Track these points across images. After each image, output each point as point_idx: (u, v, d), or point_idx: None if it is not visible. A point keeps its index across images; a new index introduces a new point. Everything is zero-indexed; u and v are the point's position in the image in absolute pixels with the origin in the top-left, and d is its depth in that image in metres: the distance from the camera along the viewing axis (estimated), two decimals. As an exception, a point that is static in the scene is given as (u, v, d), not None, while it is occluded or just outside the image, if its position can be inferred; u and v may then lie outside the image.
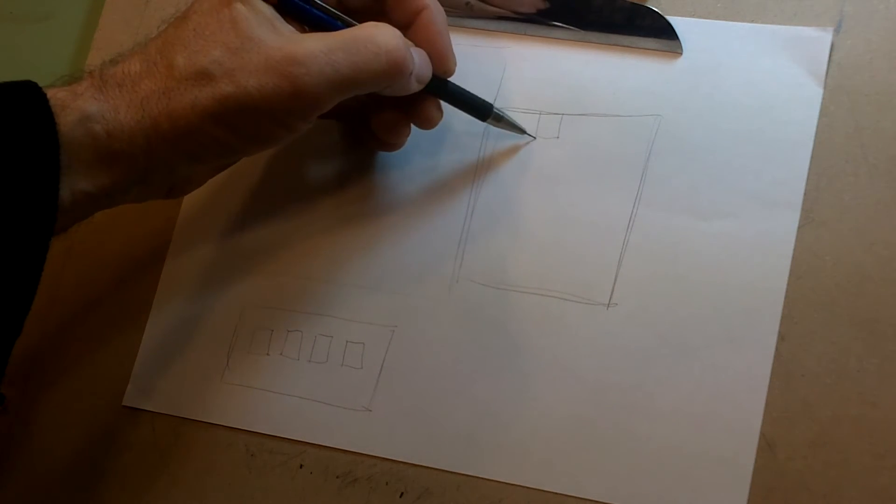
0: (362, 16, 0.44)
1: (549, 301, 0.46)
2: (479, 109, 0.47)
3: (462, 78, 0.46)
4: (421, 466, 0.46)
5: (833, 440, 0.41)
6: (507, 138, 0.48)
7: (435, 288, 0.48)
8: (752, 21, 0.47)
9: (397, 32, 0.42)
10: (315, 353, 0.48)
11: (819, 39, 0.46)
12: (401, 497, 0.46)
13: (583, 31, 0.49)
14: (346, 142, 0.51)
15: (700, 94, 0.47)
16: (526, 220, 0.47)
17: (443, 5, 0.46)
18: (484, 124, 0.48)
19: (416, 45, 0.44)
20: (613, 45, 0.49)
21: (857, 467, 0.41)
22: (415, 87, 0.44)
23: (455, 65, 0.46)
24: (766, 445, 0.42)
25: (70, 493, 0.50)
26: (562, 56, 0.49)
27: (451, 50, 0.46)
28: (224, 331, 0.50)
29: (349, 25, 0.43)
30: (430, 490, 0.45)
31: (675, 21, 0.48)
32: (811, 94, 0.46)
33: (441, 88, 0.46)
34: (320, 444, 0.47)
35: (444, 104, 0.47)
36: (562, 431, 0.44)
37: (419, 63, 0.44)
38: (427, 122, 0.47)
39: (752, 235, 0.45)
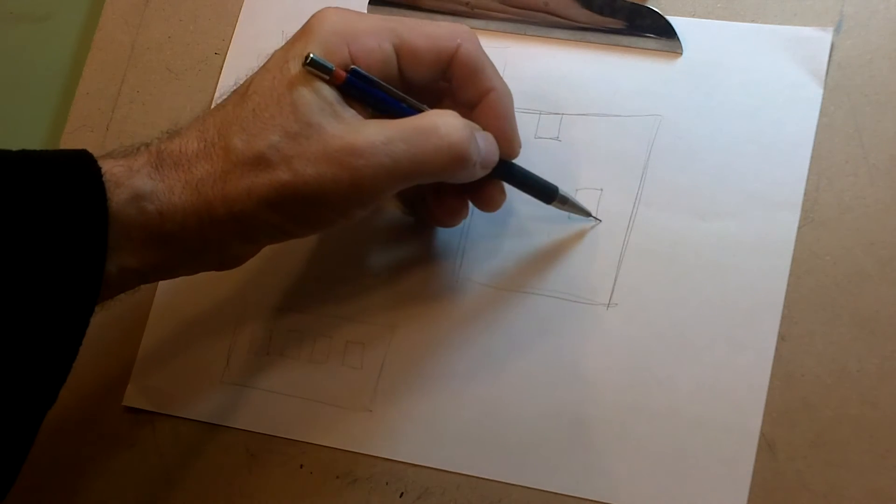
0: (429, 94, 0.43)
1: (549, 301, 0.46)
2: (544, 192, 0.45)
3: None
4: (421, 466, 0.46)
5: (833, 440, 0.42)
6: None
7: (435, 288, 0.48)
8: (752, 21, 0.47)
9: (462, 122, 0.40)
10: (315, 353, 0.48)
11: (819, 39, 0.46)
12: (401, 497, 0.46)
13: (583, 31, 0.49)
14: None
15: (700, 94, 0.47)
16: (526, 219, 0.47)
17: (443, 5, 0.45)
18: None
19: (482, 126, 0.43)
20: (613, 45, 0.49)
21: (857, 467, 0.41)
22: (479, 173, 0.42)
23: (520, 147, 0.44)
24: (766, 445, 0.42)
25: (70, 493, 0.50)
26: (562, 56, 0.49)
27: (517, 133, 0.44)
28: (224, 331, 0.50)
29: (414, 107, 0.41)
30: (430, 490, 0.45)
31: (675, 21, 0.48)
32: (811, 94, 0.46)
33: (506, 172, 0.44)
34: (320, 444, 0.47)
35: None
36: (562, 431, 0.44)
37: (485, 149, 0.42)
38: (490, 205, 0.45)
39: (752, 235, 0.45)
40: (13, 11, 0.62)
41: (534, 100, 0.49)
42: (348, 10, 0.41)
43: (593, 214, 0.47)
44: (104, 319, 0.51)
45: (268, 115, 0.39)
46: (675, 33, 0.48)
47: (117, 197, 0.38)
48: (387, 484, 0.46)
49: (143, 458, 0.49)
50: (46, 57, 0.60)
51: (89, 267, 0.37)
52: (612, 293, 0.45)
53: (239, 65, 0.53)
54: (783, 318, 0.43)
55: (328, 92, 0.39)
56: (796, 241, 0.44)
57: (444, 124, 0.40)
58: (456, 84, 0.43)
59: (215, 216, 0.39)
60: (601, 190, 0.47)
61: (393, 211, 0.49)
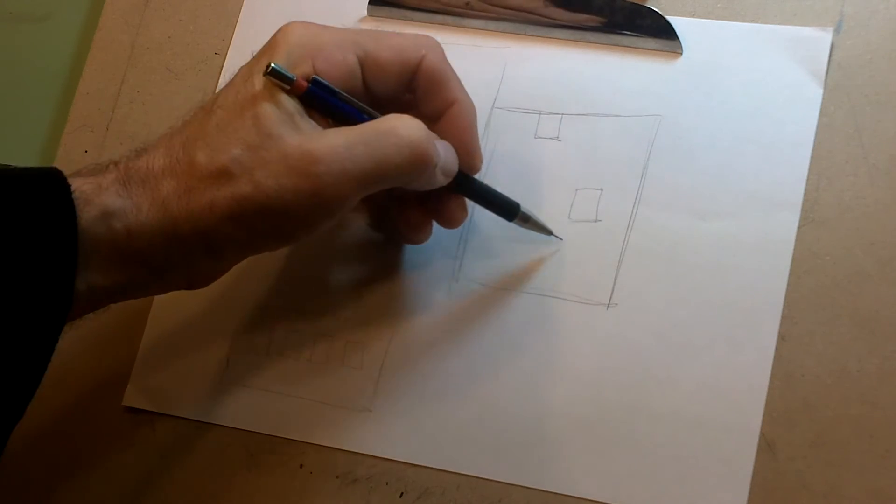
0: (392, 107, 0.43)
1: (549, 301, 0.46)
2: (506, 209, 0.45)
3: (462, 78, 0.46)
4: (421, 466, 0.46)
5: (833, 440, 0.42)
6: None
7: (434, 288, 0.48)
8: (752, 21, 0.47)
9: (420, 124, 0.41)
10: (315, 354, 0.48)
11: (819, 39, 0.46)
12: (401, 497, 0.46)
13: (583, 31, 0.49)
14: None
15: (700, 94, 0.47)
16: (526, 220, 0.47)
17: (442, 5, 0.45)
18: (484, 120, 0.48)
19: (445, 139, 0.43)
20: (613, 45, 0.49)
21: (857, 467, 0.41)
22: (440, 180, 0.42)
23: (481, 162, 0.44)
24: (766, 445, 0.42)
25: (70, 493, 0.50)
26: (562, 56, 0.49)
27: (479, 147, 0.44)
28: (224, 331, 0.50)
29: (374, 117, 0.41)
30: (430, 490, 0.45)
31: (675, 21, 0.48)
32: (811, 94, 0.46)
33: (467, 186, 0.44)
34: (320, 444, 0.47)
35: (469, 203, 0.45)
36: (562, 431, 0.44)
37: (444, 156, 0.42)
38: (451, 222, 0.45)
39: (752, 235, 0.45)
40: (13, 11, 0.62)
41: (534, 100, 0.49)
42: (314, 23, 0.41)
43: (555, 233, 0.46)
44: (104, 319, 0.51)
45: (231, 129, 0.39)
46: (675, 33, 0.48)
47: (87, 214, 0.38)
48: (387, 484, 0.46)
49: (143, 457, 0.49)
50: (46, 57, 0.60)
51: (59, 285, 0.37)
52: (611, 293, 0.45)
53: (239, 65, 0.53)
54: (783, 318, 0.43)
55: (290, 104, 0.39)
56: (796, 241, 0.44)
57: (402, 125, 0.40)
58: (420, 95, 0.43)
59: (180, 233, 0.39)
60: (601, 190, 0.47)
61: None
